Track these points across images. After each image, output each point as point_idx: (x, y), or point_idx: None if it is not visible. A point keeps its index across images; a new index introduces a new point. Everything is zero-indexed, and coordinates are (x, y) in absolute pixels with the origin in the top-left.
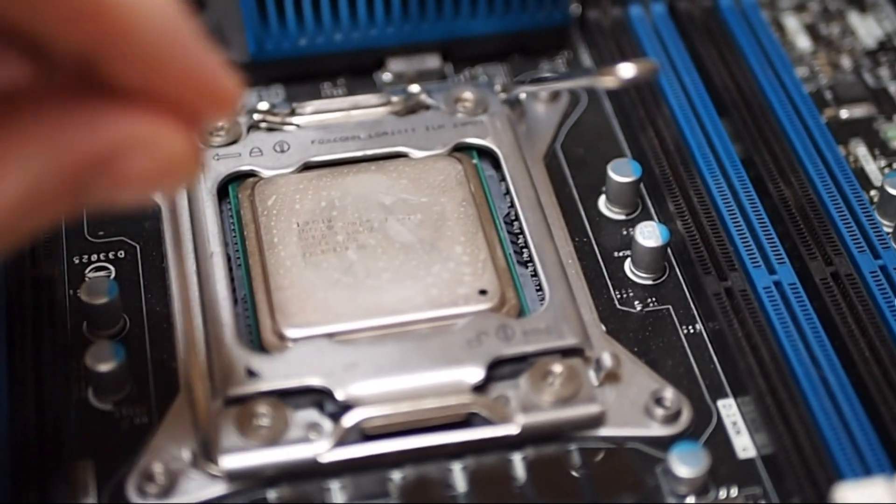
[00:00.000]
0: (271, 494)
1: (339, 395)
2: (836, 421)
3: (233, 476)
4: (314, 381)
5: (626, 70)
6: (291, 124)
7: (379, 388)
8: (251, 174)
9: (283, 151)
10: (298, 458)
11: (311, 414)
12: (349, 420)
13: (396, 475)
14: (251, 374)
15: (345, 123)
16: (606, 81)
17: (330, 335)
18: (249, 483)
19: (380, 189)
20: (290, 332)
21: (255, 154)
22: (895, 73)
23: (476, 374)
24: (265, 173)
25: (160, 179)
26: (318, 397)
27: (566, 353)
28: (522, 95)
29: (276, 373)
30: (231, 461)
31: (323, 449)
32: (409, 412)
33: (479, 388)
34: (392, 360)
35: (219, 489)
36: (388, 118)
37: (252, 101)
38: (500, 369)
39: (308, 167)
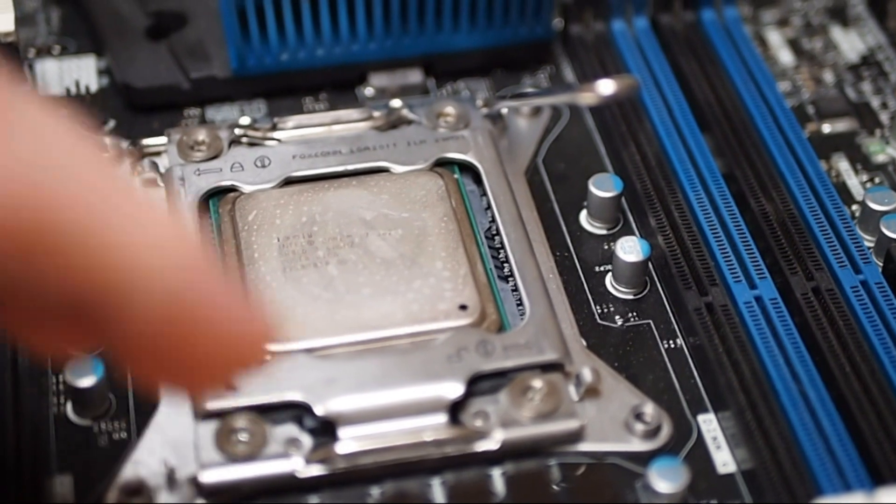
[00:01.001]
0: None
1: (319, 411)
2: (815, 436)
3: (211, 491)
4: (293, 396)
5: (606, 87)
6: (273, 139)
7: (358, 404)
8: (232, 189)
9: (264, 166)
10: (277, 473)
11: (289, 429)
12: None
13: (375, 490)
14: (231, 387)
15: (326, 138)
16: (586, 98)
17: (310, 350)
18: (228, 498)
19: (361, 204)
20: (270, 348)
21: (237, 169)
22: (877, 88)
23: (455, 389)
24: (246, 188)
25: None
26: (297, 412)
27: (546, 367)
28: (504, 110)
29: (255, 387)
30: (210, 476)
31: (301, 464)
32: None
33: (459, 404)
34: (372, 375)
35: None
36: (370, 133)
37: (234, 115)
38: (479, 384)
39: (289, 182)
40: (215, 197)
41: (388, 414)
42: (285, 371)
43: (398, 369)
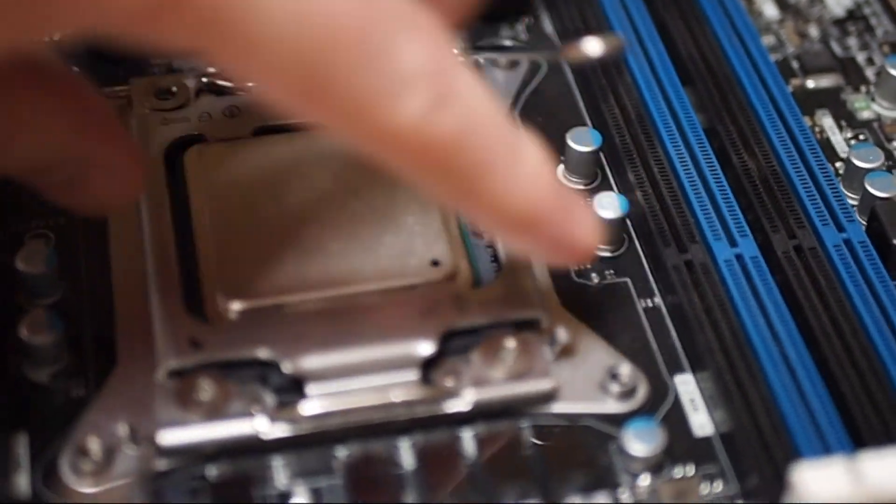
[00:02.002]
0: (211, 471)
1: (286, 368)
2: (796, 398)
3: (171, 452)
4: (260, 353)
5: (592, 46)
6: (240, 88)
7: (327, 361)
8: (199, 139)
9: (233, 116)
10: (239, 434)
11: (253, 388)
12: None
13: (341, 452)
14: (195, 344)
15: None
16: (570, 57)
17: (278, 306)
18: (188, 459)
19: (331, 157)
20: (237, 303)
21: (204, 119)
22: (863, 43)
23: (427, 347)
24: (214, 138)
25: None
26: (261, 370)
27: (520, 325)
28: (481, 61)
29: (221, 344)
30: (168, 436)
31: (265, 425)
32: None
33: (430, 362)
34: (340, 333)
35: (156, 465)
36: None
37: (202, 64)
38: (452, 342)
39: (260, 132)
40: (183, 147)
41: (358, 371)
42: (253, 327)
43: (368, 326)
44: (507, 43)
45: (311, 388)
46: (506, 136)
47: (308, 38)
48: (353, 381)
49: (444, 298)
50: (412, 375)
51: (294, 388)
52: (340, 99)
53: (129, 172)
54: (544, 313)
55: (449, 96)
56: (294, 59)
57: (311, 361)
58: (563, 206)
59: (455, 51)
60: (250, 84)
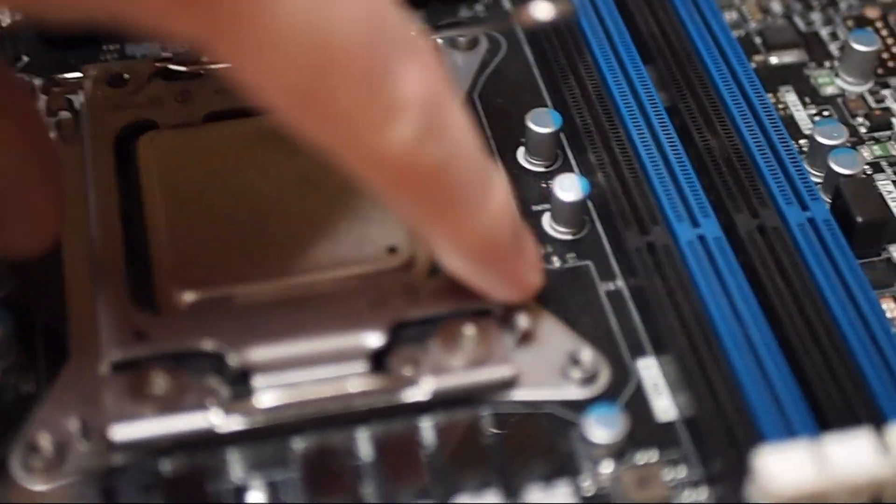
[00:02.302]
0: (165, 465)
1: (232, 361)
2: (759, 380)
3: (124, 447)
4: (206, 345)
5: (542, 10)
6: (196, 73)
7: (273, 354)
8: (150, 125)
9: (184, 101)
10: (193, 428)
11: (207, 380)
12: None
13: (298, 444)
14: (140, 335)
15: None
16: (520, 22)
17: (231, 296)
18: (142, 454)
19: (285, 143)
20: (190, 294)
21: (156, 104)
22: (827, 18)
23: (376, 338)
24: (165, 124)
25: None
26: (216, 362)
27: (476, 314)
28: (439, 41)
29: (166, 335)
30: (122, 431)
31: (219, 418)
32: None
33: (387, 351)
34: (289, 324)
35: (109, 460)
36: None
37: (155, 50)
38: (408, 330)
39: (212, 118)
40: (134, 133)
41: (306, 363)
42: (200, 318)
43: (318, 316)
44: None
45: (257, 380)
46: (482, 169)
47: (314, 47)
48: (300, 373)
49: (395, 288)
50: (361, 367)
51: (244, 379)
52: (334, 113)
53: (48, 216)
54: (495, 303)
55: (439, 127)
56: (297, 64)
57: (258, 353)
58: (518, 244)
59: (448, 81)
60: (248, 86)
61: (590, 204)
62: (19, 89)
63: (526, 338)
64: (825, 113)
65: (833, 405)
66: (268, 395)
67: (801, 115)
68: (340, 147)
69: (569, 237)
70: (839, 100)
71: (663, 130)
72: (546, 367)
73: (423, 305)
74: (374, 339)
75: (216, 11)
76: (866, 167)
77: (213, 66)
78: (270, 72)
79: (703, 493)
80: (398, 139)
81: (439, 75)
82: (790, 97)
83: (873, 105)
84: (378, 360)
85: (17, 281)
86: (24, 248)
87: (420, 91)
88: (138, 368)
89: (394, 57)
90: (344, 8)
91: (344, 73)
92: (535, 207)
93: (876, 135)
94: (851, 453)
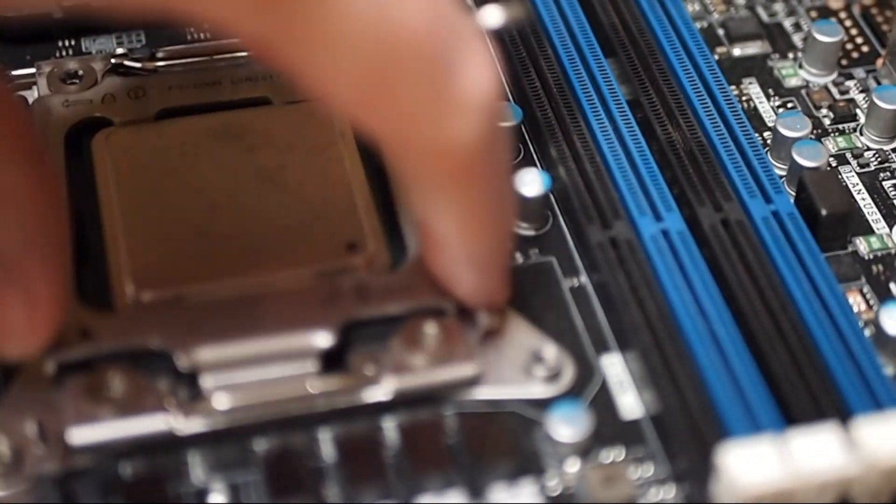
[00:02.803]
0: (125, 468)
1: (180, 361)
2: (724, 376)
3: (82, 450)
4: (152, 344)
5: (492, 16)
6: (149, 70)
7: (220, 354)
8: (103, 122)
9: (138, 98)
10: (153, 430)
11: (167, 381)
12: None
13: (259, 445)
14: (86, 334)
15: (208, 69)
16: None
17: (184, 294)
18: (101, 456)
19: (242, 139)
20: (142, 292)
21: (108, 101)
22: (790, 9)
23: (325, 338)
24: (118, 120)
25: None
26: (167, 362)
27: (430, 313)
28: None
29: (113, 334)
30: (80, 434)
31: (178, 420)
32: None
33: (340, 351)
34: (238, 323)
35: (68, 463)
36: (254, 64)
37: (110, 46)
38: (364, 329)
39: (165, 115)
40: (87, 132)
41: (254, 363)
42: (148, 317)
43: (267, 315)
44: None
45: (206, 380)
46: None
47: (381, 42)
48: (249, 372)
49: (346, 287)
50: (311, 367)
51: (193, 379)
52: (397, 107)
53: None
54: (450, 302)
55: (494, 126)
56: (363, 60)
57: (204, 353)
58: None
59: (500, 80)
60: (312, 82)
61: (552, 198)
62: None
63: (489, 335)
64: (789, 105)
65: (799, 400)
66: (227, 397)
67: (765, 108)
68: (401, 141)
69: (531, 233)
70: (803, 91)
71: (625, 124)
72: (509, 365)
73: (373, 305)
74: (323, 339)
75: (286, 9)
76: (831, 159)
77: (165, 63)
78: (337, 68)
79: (670, 491)
80: (459, 135)
81: (495, 74)
82: (753, 89)
83: (837, 96)
84: (332, 360)
85: None
86: (13, 347)
87: (480, 90)
88: (91, 369)
89: (456, 53)
90: (409, 4)
91: (409, 69)
92: None
93: (840, 126)
94: (818, 449)
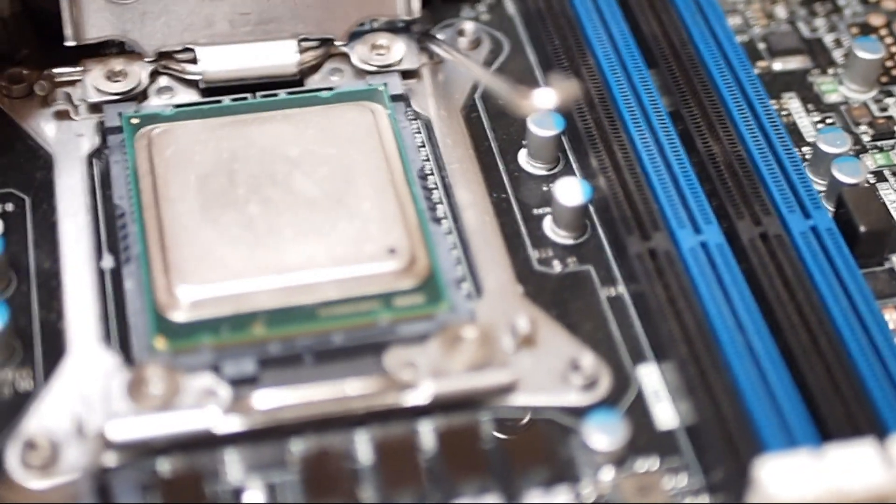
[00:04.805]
0: (162, 465)
1: (228, 370)
2: (761, 390)
3: (120, 446)
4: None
5: (545, 98)
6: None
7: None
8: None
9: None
10: (191, 428)
11: (206, 378)
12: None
13: (296, 445)
14: None
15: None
16: (521, 107)
17: (227, 295)
18: (139, 453)
19: (285, 140)
20: (185, 291)
21: None
22: (831, 25)
23: None
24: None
25: None
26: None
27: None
28: (438, 50)
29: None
30: (118, 429)
31: (218, 418)
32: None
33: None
34: None
35: (106, 459)
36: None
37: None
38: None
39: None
40: (132, 129)
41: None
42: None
43: None
44: (469, 25)
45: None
46: None
47: None
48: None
49: None
50: None
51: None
52: None
53: None
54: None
55: None
56: None
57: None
58: None
59: None
60: None
61: (591, 208)
62: None
63: (526, 342)
64: (829, 120)
65: (835, 415)
66: (267, 397)
67: (805, 123)
68: None
69: (570, 241)
70: (843, 107)
71: (666, 135)
72: (546, 373)
73: None
74: None
75: None
76: (869, 176)
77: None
78: None
79: (703, 501)
80: None
81: None
82: (793, 104)
83: (877, 113)
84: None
85: (15, 277)
86: None
87: None
88: (136, 365)
89: None
90: None
91: None
92: (537, 211)
93: (879, 143)
94: (854, 464)
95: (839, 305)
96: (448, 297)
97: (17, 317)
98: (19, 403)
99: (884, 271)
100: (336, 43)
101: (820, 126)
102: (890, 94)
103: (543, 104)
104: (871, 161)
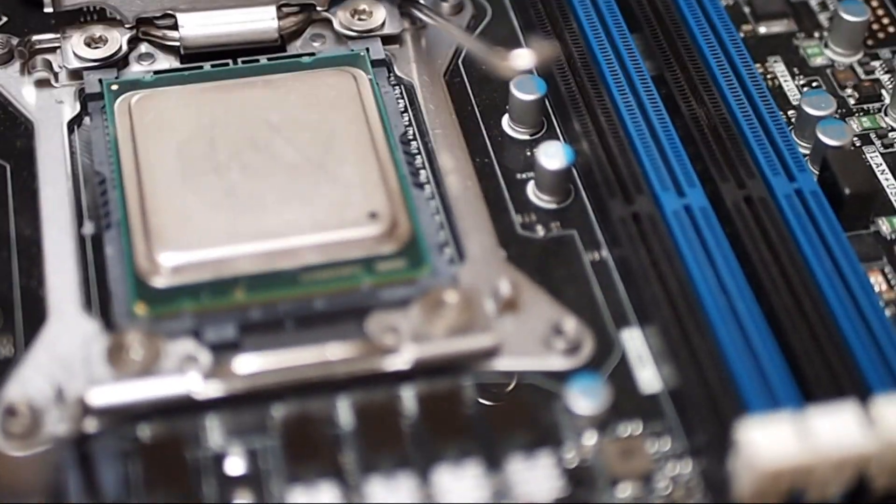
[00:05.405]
0: (143, 431)
1: (209, 336)
2: (744, 352)
3: (101, 412)
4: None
5: (523, 59)
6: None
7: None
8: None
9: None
10: (172, 392)
11: (186, 344)
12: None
13: (277, 410)
14: None
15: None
16: (503, 69)
17: (208, 260)
18: (119, 419)
19: (266, 105)
20: (166, 257)
21: None
22: None
23: None
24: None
25: None
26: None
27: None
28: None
29: None
30: (99, 395)
31: (198, 383)
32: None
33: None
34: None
35: (87, 425)
36: None
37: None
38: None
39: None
40: (112, 96)
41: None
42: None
43: None
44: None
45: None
46: None
47: None
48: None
49: None
50: None
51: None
52: None
53: None
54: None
55: None
56: None
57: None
58: None
59: None
60: None
61: (575, 172)
62: None
63: (509, 306)
64: (814, 84)
65: (818, 377)
66: (247, 361)
67: (790, 86)
68: None
69: (553, 206)
70: (828, 71)
71: (649, 99)
72: (529, 337)
73: None
74: None
75: None
76: (855, 139)
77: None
78: None
79: (687, 465)
80: None
81: None
82: (778, 67)
83: (862, 76)
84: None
85: None
86: None
87: None
88: (117, 330)
89: None
90: None
91: None
92: (520, 175)
93: (865, 106)
94: (836, 426)
95: (823, 268)
96: (430, 262)
97: None
98: (0, 370)
99: (869, 234)
100: (318, 8)
101: (805, 89)
102: (876, 58)
103: (524, 64)
104: (857, 124)
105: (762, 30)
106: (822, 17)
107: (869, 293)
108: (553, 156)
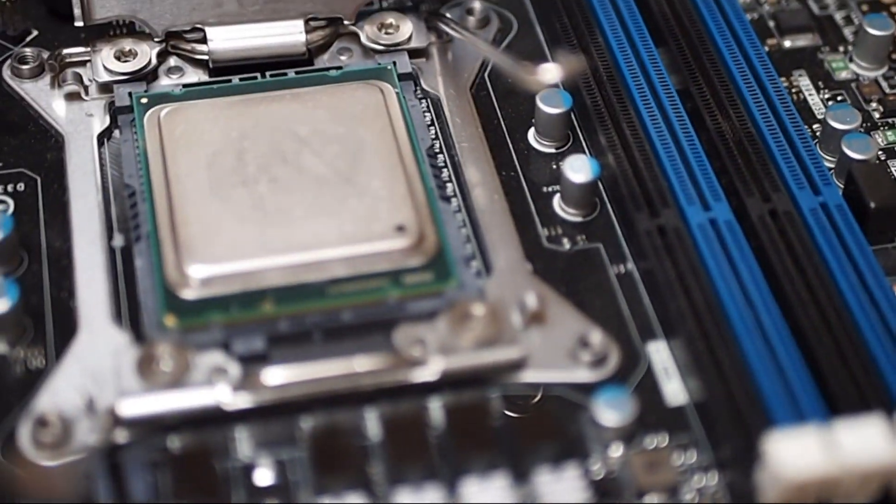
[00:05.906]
0: (172, 442)
1: (238, 347)
2: (770, 365)
3: (131, 423)
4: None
5: (550, 73)
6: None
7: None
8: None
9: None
10: (201, 404)
11: (216, 356)
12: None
13: (305, 422)
14: None
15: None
16: (529, 83)
17: (237, 272)
18: (149, 430)
19: (294, 119)
20: (195, 269)
21: None
22: (841, 2)
23: None
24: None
25: None
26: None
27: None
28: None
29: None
30: (128, 406)
31: (227, 395)
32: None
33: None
34: None
35: (117, 436)
36: None
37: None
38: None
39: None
40: (141, 109)
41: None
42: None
43: None
44: (477, 4)
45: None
46: None
47: None
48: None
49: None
50: None
51: (256, 358)
52: None
53: None
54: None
55: None
56: None
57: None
58: None
59: None
60: None
61: (601, 186)
62: None
63: (535, 319)
64: (839, 98)
65: (844, 391)
66: (276, 373)
67: (815, 100)
68: None
69: (579, 219)
70: (853, 84)
71: (675, 113)
72: (555, 350)
73: None
74: None
75: None
76: (880, 152)
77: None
78: None
79: (712, 478)
80: None
81: None
82: (803, 81)
83: (887, 90)
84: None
85: (26, 255)
86: None
87: None
88: (146, 342)
89: None
90: None
91: None
92: (546, 189)
93: (890, 120)
94: (862, 439)
95: (849, 282)
96: (457, 275)
97: (29, 295)
98: (31, 381)
99: (894, 247)
100: (345, 22)
101: (830, 103)
102: None
103: (551, 79)
104: (882, 138)
105: (787, 44)
106: (847, 31)
107: (894, 306)
108: (579, 169)
